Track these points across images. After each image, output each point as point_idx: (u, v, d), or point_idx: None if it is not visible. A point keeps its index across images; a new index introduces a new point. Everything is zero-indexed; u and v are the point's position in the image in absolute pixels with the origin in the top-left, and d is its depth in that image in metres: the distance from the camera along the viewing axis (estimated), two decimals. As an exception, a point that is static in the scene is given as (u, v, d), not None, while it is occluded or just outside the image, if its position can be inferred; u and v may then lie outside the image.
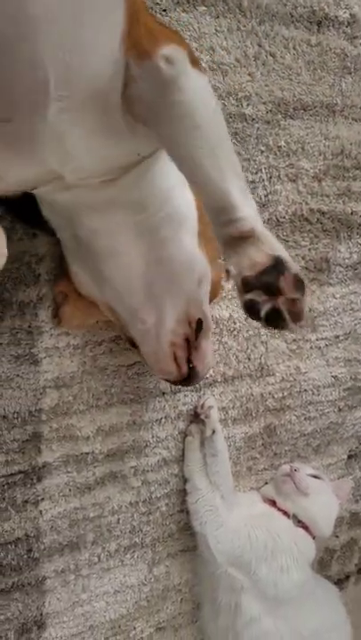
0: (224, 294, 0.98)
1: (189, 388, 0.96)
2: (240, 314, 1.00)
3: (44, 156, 0.56)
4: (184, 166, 0.57)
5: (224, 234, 0.56)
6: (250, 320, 0.99)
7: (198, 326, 0.77)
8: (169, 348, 0.74)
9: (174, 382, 0.81)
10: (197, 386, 1.00)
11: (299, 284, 0.55)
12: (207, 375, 0.92)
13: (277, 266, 0.55)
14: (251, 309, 0.55)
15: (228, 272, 0.56)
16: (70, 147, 0.56)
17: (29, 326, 0.80)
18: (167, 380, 0.81)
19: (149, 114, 0.55)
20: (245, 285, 0.55)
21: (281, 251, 0.55)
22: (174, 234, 0.72)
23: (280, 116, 0.92)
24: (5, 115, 0.52)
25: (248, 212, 0.55)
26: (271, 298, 0.54)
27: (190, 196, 0.73)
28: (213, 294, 0.82)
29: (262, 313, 0.54)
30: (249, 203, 0.56)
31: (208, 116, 0.55)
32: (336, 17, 0.92)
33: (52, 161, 0.57)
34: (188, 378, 0.79)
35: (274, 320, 0.54)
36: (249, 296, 0.54)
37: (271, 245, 0.56)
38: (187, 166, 0.57)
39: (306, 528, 1.10)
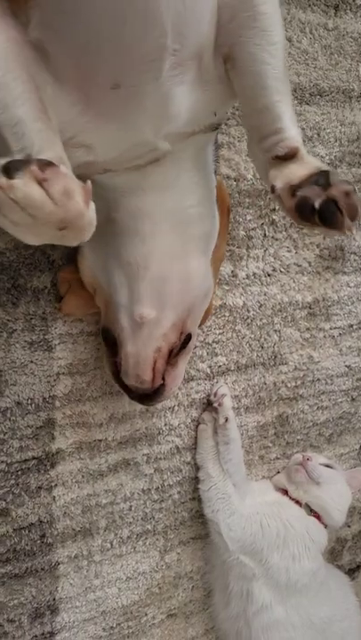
0: (238, 282, 0.97)
1: (157, 401, 0.83)
2: (254, 302, 1.00)
3: (143, 123, 0.58)
4: (250, 89, 0.59)
5: (271, 155, 0.58)
6: (263, 308, 1.00)
7: (185, 342, 0.76)
8: (153, 353, 0.72)
9: (135, 396, 0.78)
10: (211, 374, 1.00)
11: (349, 184, 0.54)
12: (171, 396, 0.93)
13: (324, 173, 0.55)
14: (303, 207, 0.54)
15: (273, 187, 0.57)
16: (173, 107, 0.58)
17: (43, 313, 0.81)
18: (128, 393, 0.78)
19: (232, 38, 0.57)
20: (294, 189, 0.55)
21: (326, 167, 0.56)
22: (200, 237, 0.73)
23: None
24: (116, 80, 0.53)
25: (296, 132, 0.58)
26: (324, 189, 0.53)
27: (218, 217, 0.76)
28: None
29: (317, 204, 0.53)
30: (296, 125, 0.59)
31: (282, 36, 0.58)
32: (353, 0, 0.91)
33: (148, 129, 0.59)
34: (154, 394, 0.76)
35: (329, 214, 0.53)
36: (301, 192, 0.54)
37: (315, 162, 0.57)
38: (253, 88, 0.58)
39: (318, 517, 1.10)
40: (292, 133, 0.58)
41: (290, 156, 0.57)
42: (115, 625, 1.07)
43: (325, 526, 1.11)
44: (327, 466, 1.13)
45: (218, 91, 0.61)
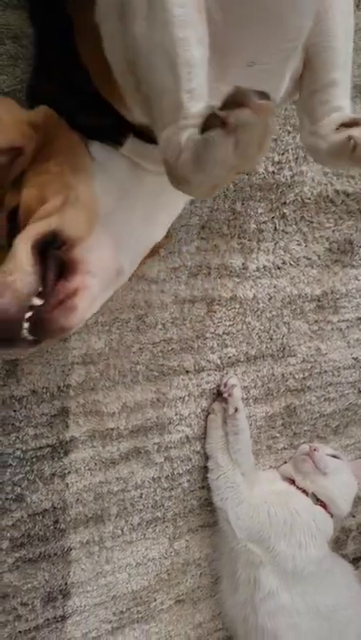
0: (248, 275, 0.99)
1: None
2: (264, 294, 1.02)
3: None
4: (322, 64, 0.62)
5: (335, 124, 0.61)
6: (273, 301, 1.01)
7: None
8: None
9: None
10: (221, 365, 1.02)
11: None
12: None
13: None
14: None
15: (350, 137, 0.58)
16: (282, 88, 0.62)
17: (59, 303, 0.82)
18: None
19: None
20: None
21: None
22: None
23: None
24: (254, 58, 0.57)
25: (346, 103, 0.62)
26: None
27: None
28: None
29: None
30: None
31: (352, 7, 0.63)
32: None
33: None
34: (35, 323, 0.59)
35: None
36: None
37: None
38: (325, 64, 0.62)
39: (324, 506, 1.12)
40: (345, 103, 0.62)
41: (354, 124, 0.59)
42: (124, 609, 1.09)
43: (331, 515, 1.13)
44: (333, 456, 1.15)
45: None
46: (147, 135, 0.61)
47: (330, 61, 0.62)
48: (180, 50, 0.48)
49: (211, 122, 0.45)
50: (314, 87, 0.63)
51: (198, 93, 0.49)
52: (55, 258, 0.60)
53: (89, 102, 0.62)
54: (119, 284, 0.69)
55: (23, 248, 0.58)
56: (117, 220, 0.65)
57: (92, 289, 0.62)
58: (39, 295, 0.59)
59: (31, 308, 0.58)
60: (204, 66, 0.50)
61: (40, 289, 0.59)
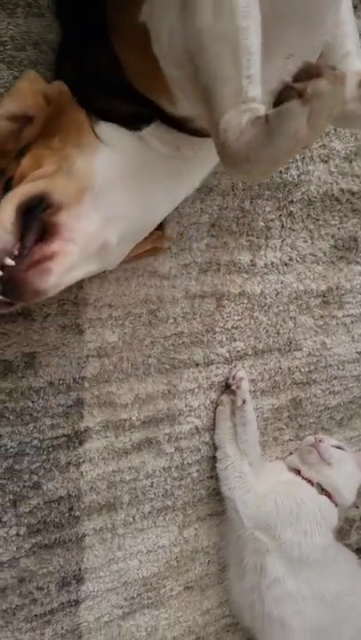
0: (256, 271, 1.02)
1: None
2: (271, 290, 1.05)
3: None
4: (335, 29, 0.67)
5: None
6: (280, 296, 1.04)
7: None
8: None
9: None
10: (229, 358, 1.05)
11: None
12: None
13: None
14: None
15: None
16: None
17: (75, 298, 0.86)
18: None
19: None
20: None
21: None
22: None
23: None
24: (293, 50, 0.61)
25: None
26: None
27: None
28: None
29: None
30: None
31: None
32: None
33: None
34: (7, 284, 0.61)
35: None
36: None
37: None
38: (338, 27, 0.67)
39: (329, 496, 1.15)
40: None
41: None
42: (135, 595, 1.13)
43: (336, 505, 1.16)
44: (338, 448, 1.18)
45: None
46: (175, 122, 0.65)
47: (341, 34, 0.67)
48: (242, 38, 0.53)
49: (286, 95, 0.50)
50: (332, 62, 0.68)
51: (256, 79, 0.54)
52: (39, 221, 0.61)
53: (113, 90, 0.65)
54: (105, 260, 0.69)
55: (7, 207, 0.60)
56: (113, 196, 0.66)
57: (71, 256, 0.62)
58: (16, 258, 0.60)
59: (3, 268, 0.59)
60: (259, 54, 0.54)
61: (17, 252, 0.60)
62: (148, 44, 0.59)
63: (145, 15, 0.58)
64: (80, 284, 0.85)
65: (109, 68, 0.63)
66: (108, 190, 0.65)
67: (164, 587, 1.17)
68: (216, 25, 0.53)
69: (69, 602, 1.04)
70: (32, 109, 0.66)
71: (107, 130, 0.66)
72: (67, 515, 0.98)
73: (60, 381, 0.89)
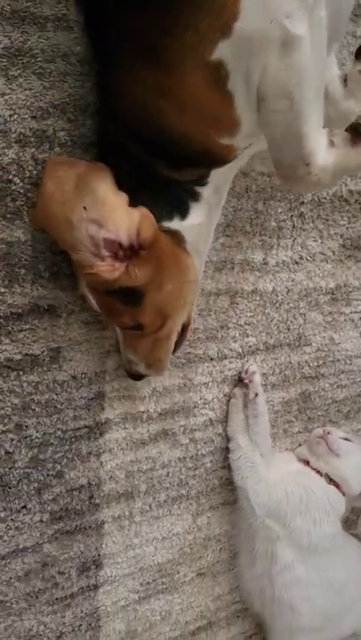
0: (268, 269, 1.06)
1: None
2: (282, 287, 1.09)
3: None
4: None
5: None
6: (291, 293, 1.09)
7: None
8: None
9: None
10: (242, 353, 1.10)
11: None
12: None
13: None
14: None
15: None
16: None
17: (98, 296, 0.90)
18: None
19: None
20: None
21: None
22: None
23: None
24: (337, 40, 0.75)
25: None
26: None
27: None
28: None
29: None
30: None
31: None
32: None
33: None
34: None
35: None
36: None
37: None
38: None
39: (337, 486, 1.19)
40: None
41: None
42: (151, 580, 1.17)
43: (343, 494, 1.20)
44: (346, 439, 1.23)
45: None
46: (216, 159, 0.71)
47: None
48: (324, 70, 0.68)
49: None
50: None
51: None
52: None
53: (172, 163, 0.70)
54: None
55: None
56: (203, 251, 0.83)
57: None
58: None
59: None
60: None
61: None
62: (221, 81, 0.63)
63: (222, 53, 0.61)
64: (103, 283, 0.89)
65: (163, 141, 0.67)
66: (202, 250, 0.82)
67: (178, 573, 1.21)
68: (312, 61, 0.61)
69: (89, 586, 1.09)
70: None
71: (186, 229, 0.76)
72: (87, 502, 1.02)
73: (83, 375, 0.93)
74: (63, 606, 1.07)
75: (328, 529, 1.17)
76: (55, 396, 0.92)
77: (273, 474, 1.15)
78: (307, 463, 1.22)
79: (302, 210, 1.06)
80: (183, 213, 0.75)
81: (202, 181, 0.74)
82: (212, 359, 1.07)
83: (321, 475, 1.19)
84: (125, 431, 1.02)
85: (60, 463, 0.97)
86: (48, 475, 0.96)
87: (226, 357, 1.09)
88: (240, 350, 1.09)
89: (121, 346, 0.89)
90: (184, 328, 0.88)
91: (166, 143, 0.67)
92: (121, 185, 0.69)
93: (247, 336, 1.09)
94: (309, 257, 1.10)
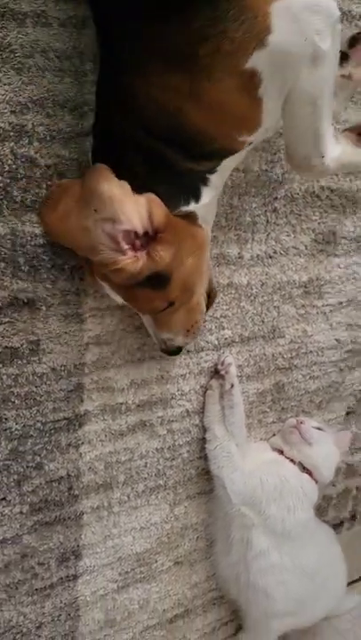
0: (243, 263, 1.09)
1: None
2: (257, 281, 1.12)
3: None
4: None
5: None
6: (265, 287, 1.11)
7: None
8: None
9: None
10: (218, 345, 1.12)
11: None
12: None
13: None
14: None
15: None
16: None
17: (77, 289, 0.91)
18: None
19: None
20: None
21: None
22: None
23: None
24: None
25: None
26: None
27: None
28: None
29: None
30: None
31: None
32: (350, 11, 1.01)
33: None
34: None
35: None
36: None
37: None
38: None
39: (310, 474, 1.23)
40: None
41: None
42: (129, 570, 1.19)
43: (316, 482, 1.24)
44: (318, 429, 1.26)
45: None
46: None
47: None
48: None
49: None
50: None
51: None
52: None
53: (188, 155, 0.74)
54: None
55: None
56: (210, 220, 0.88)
57: None
58: None
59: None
60: None
61: None
62: (253, 88, 0.69)
63: (256, 62, 0.66)
64: (81, 276, 0.91)
65: (186, 133, 0.71)
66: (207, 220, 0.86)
67: (156, 562, 1.23)
68: (332, 70, 0.72)
69: (68, 576, 1.10)
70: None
71: (199, 208, 0.80)
72: (66, 494, 1.04)
73: (62, 367, 0.95)
74: (43, 597, 1.08)
75: (301, 515, 1.20)
76: (35, 389, 0.93)
77: (248, 463, 1.18)
78: (281, 452, 1.25)
79: (276, 205, 1.08)
80: (197, 197, 0.79)
81: (213, 170, 0.79)
82: (188, 351, 1.09)
83: (295, 463, 1.22)
84: (104, 423, 1.04)
85: (39, 455, 0.98)
86: (27, 466, 0.97)
87: (202, 350, 1.11)
88: (216, 342, 1.12)
89: (152, 330, 0.92)
90: (210, 290, 0.94)
91: (187, 140, 0.72)
92: (136, 177, 0.72)
93: (223, 329, 1.12)
94: (283, 251, 1.13)
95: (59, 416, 0.98)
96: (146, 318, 0.92)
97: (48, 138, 0.81)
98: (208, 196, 0.80)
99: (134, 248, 0.73)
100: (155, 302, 0.83)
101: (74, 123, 0.82)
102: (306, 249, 1.17)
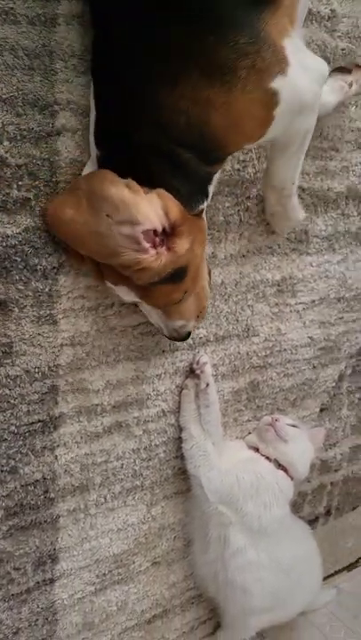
0: (217, 262, 1.09)
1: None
2: (230, 280, 1.12)
3: None
4: None
5: None
6: (239, 286, 1.12)
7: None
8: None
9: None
10: (193, 344, 1.12)
11: None
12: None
13: None
14: None
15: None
16: None
17: (50, 290, 0.90)
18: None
19: None
20: None
21: None
22: None
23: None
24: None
25: None
26: None
27: None
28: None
29: None
30: None
31: None
32: (318, 12, 1.03)
33: None
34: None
35: None
36: None
37: None
38: None
39: (286, 470, 1.24)
40: None
41: None
42: (107, 572, 1.19)
43: (292, 479, 1.25)
44: (293, 426, 1.27)
45: None
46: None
47: None
48: None
49: None
50: None
51: None
52: None
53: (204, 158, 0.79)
54: None
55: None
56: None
57: None
58: None
59: None
60: None
61: None
62: (271, 106, 0.76)
63: (278, 85, 0.75)
64: (55, 277, 0.90)
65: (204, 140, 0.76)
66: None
67: (134, 563, 1.23)
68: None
69: (44, 580, 1.09)
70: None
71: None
72: (42, 497, 1.03)
73: (36, 369, 0.93)
74: (19, 602, 1.07)
75: (277, 512, 1.21)
76: (8, 391, 0.92)
77: (225, 461, 1.19)
78: (257, 450, 1.26)
79: (248, 204, 1.09)
80: (207, 195, 0.85)
81: (217, 170, 0.85)
82: (163, 351, 1.09)
83: (270, 460, 1.24)
84: (80, 424, 1.03)
85: (14, 459, 0.96)
86: (2, 470, 0.96)
87: (177, 349, 1.11)
88: (191, 342, 1.12)
89: (162, 320, 0.95)
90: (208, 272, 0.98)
91: (207, 147, 0.77)
92: (158, 181, 0.75)
93: (198, 328, 1.12)
94: (256, 250, 1.14)
95: (33, 419, 0.96)
96: (152, 311, 0.94)
97: (18, 137, 0.80)
98: (211, 192, 0.86)
99: (155, 246, 0.75)
100: (173, 295, 0.86)
101: (45, 122, 0.81)
102: (279, 248, 1.18)
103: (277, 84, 0.75)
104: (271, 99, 0.76)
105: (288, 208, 1.04)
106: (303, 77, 0.77)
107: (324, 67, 0.81)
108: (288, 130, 0.83)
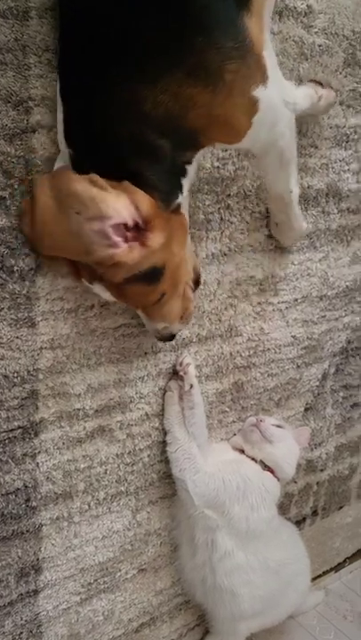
0: (199, 261, 1.07)
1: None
2: (212, 279, 1.11)
3: None
4: None
5: None
6: (221, 285, 1.11)
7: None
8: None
9: None
10: (176, 346, 1.10)
11: None
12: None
13: None
14: None
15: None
16: None
17: (28, 292, 0.88)
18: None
19: None
20: None
21: None
22: None
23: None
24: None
25: None
26: None
27: None
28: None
29: None
30: None
31: None
32: (295, 7, 1.02)
33: None
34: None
35: None
36: None
37: None
38: None
39: (272, 471, 1.23)
40: None
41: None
42: (92, 581, 1.16)
43: (278, 479, 1.24)
44: (278, 426, 1.26)
45: None
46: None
47: None
48: None
49: None
50: None
51: None
52: None
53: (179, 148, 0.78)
54: None
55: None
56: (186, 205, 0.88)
57: None
58: None
59: None
60: None
61: None
62: (251, 112, 0.79)
63: (259, 94, 0.78)
64: (32, 279, 0.87)
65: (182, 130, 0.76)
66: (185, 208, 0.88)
67: (120, 570, 1.20)
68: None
69: (28, 592, 1.06)
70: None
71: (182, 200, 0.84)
72: (24, 506, 1.00)
73: (15, 374, 0.91)
74: (2, 615, 1.04)
75: (265, 513, 1.20)
76: (-14, 398, 0.89)
77: (210, 464, 1.17)
78: (242, 452, 1.24)
79: (229, 202, 1.08)
80: (181, 189, 0.83)
81: (190, 161, 0.83)
82: (146, 353, 1.07)
83: (256, 462, 1.22)
84: (61, 430, 1.00)
85: (-7, 467, 0.93)
86: (-19, 480, 0.93)
87: (160, 351, 1.09)
88: (174, 343, 1.10)
89: (146, 321, 0.94)
90: (195, 272, 0.97)
91: (180, 135, 0.76)
92: (127, 174, 0.74)
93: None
94: (237, 249, 1.13)
95: (13, 425, 0.94)
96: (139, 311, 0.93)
97: (-8, 134, 0.78)
98: (186, 186, 0.84)
99: (127, 240, 0.74)
100: (149, 296, 0.85)
101: (19, 118, 0.79)
102: (260, 246, 1.16)
103: (259, 93, 0.78)
104: (253, 106, 0.79)
105: (291, 217, 1.07)
106: (278, 95, 0.83)
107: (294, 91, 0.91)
108: (265, 140, 0.86)
